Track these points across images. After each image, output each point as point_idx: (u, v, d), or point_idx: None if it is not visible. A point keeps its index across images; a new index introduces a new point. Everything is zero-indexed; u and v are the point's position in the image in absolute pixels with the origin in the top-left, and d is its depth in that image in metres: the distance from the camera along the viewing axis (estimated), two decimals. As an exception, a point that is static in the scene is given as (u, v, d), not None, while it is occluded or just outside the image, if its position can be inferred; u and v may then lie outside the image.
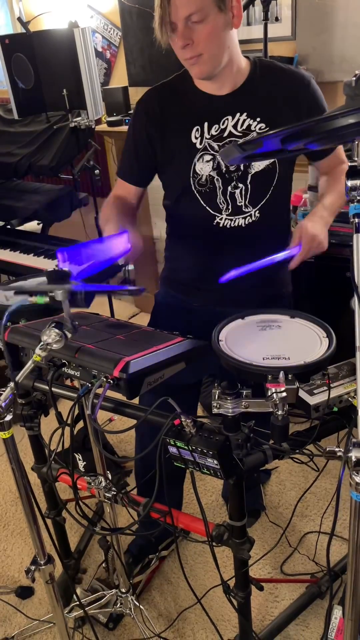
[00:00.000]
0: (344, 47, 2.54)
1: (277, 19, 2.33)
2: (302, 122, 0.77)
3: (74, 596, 1.69)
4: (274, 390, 0.97)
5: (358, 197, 0.82)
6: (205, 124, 1.43)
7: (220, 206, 1.46)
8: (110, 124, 3.22)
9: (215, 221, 1.48)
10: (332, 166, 1.58)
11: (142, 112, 1.50)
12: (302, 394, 1.13)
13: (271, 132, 0.82)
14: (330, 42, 2.58)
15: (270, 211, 1.49)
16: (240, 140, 0.91)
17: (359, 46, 2.51)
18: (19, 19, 2.58)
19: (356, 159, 0.81)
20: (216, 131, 1.43)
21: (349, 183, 0.81)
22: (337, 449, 0.83)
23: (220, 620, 1.73)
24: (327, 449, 0.84)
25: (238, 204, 1.46)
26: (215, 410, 1.04)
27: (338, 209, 1.51)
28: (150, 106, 1.49)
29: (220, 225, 1.48)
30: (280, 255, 1.35)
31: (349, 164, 0.81)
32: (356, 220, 0.84)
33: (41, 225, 2.77)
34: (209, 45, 1.30)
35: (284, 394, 0.97)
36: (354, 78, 0.76)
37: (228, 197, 1.45)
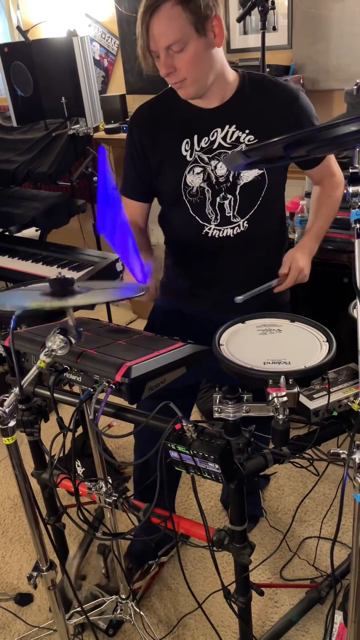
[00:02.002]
0: (340, 56, 2.58)
1: (274, 29, 2.36)
2: (305, 129, 0.78)
3: (74, 602, 1.69)
4: (274, 394, 0.97)
5: (359, 203, 0.84)
6: (195, 137, 1.44)
7: (209, 216, 1.48)
8: (108, 131, 3.24)
9: (204, 231, 1.50)
10: (323, 176, 1.60)
11: (135, 128, 1.52)
12: (302, 398, 1.13)
13: (275, 139, 0.83)
14: (326, 51, 2.61)
15: (259, 221, 1.50)
16: (245, 147, 0.92)
17: (354, 55, 2.54)
18: (18, 28, 2.60)
19: (357, 165, 0.82)
20: (206, 143, 1.44)
21: (350, 189, 0.82)
22: (340, 451, 0.83)
23: (220, 626, 1.73)
24: (331, 451, 0.84)
25: (227, 214, 1.48)
26: (216, 415, 1.05)
27: (325, 231, 1.61)
28: (143, 121, 1.51)
29: (209, 235, 1.50)
30: (274, 282, 1.49)
31: (351, 170, 0.82)
32: (357, 226, 0.85)
33: (39, 232, 2.78)
34: (192, 70, 1.32)
35: (285, 399, 0.97)
36: (355, 87, 0.77)
37: (217, 208, 1.47)
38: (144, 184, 1.56)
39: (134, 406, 1.22)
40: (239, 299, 1.41)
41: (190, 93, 1.39)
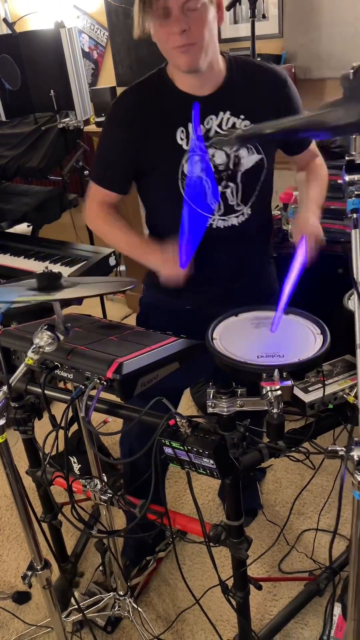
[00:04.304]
0: (331, 44, 2.55)
1: (264, 17, 2.34)
2: (306, 115, 0.76)
3: (72, 600, 1.68)
4: (268, 388, 0.96)
5: (356, 192, 0.82)
6: (190, 125, 1.41)
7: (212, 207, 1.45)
8: (98, 124, 3.21)
9: (208, 222, 1.47)
10: (308, 160, 1.61)
11: (119, 115, 1.46)
12: (297, 391, 1.12)
13: (273, 129, 0.81)
14: (318, 40, 2.58)
15: (259, 207, 1.49)
16: (240, 131, 0.89)
17: (346, 43, 2.52)
18: (5, 20, 2.56)
19: (354, 153, 0.80)
20: (201, 132, 1.41)
21: (347, 178, 0.80)
22: (338, 448, 0.82)
23: (219, 621, 1.72)
24: (329, 449, 0.83)
25: (230, 203, 1.45)
26: (210, 410, 1.04)
27: (322, 202, 1.55)
28: (129, 109, 1.45)
29: (214, 226, 1.47)
30: (298, 269, 1.27)
31: (347, 158, 0.80)
32: (354, 215, 0.83)
33: (31, 227, 2.75)
34: (203, 34, 1.30)
35: (279, 392, 0.96)
36: (352, 71, 0.75)
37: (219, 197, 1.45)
38: (125, 177, 1.51)
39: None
40: None
41: (195, 60, 1.32)
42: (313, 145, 1.61)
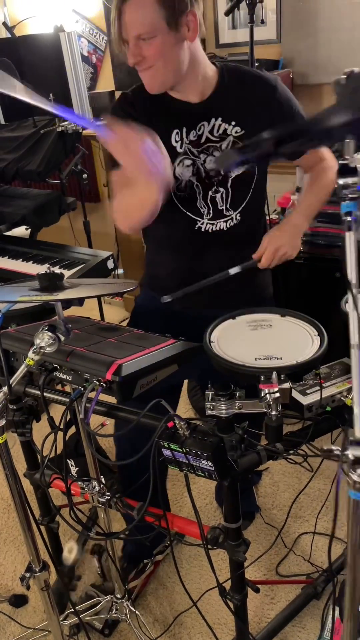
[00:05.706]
0: (329, 50, 2.57)
1: (262, 22, 2.35)
2: (295, 123, 0.77)
3: (69, 603, 1.68)
4: (267, 390, 0.97)
5: (350, 195, 0.83)
6: (184, 129, 1.43)
7: (201, 210, 1.47)
8: (97, 128, 3.21)
9: (197, 226, 1.48)
10: (313, 162, 1.60)
11: (117, 116, 1.45)
12: (295, 394, 1.13)
13: (265, 134, 0.82)
14: (315, 46, 2.60)
15: (250, 213, 1.50)
16: (232, 141, 0.90)
17: (344, 49, 2.54)
18: (4, 24, 2.58)
19: (347, 157, 0.81)
20: (194, 137, 1.44)
21: (340, 181, 0.81)
22: (334, 448, 0.83)
23: (216, 624, 1.72)
24: (324, 448, 0.84)
25: (219, 207, 1.47)
26: (208, 412, 1.04)
27: (317, 210, 1.55)
28: (126, 110, 1.48)
29: (202, 229, 1.49)
30: (234, 269, 1.43)
31: (340, 162, 0.81)
32: (348, 218, 0.84)
33: (29, 230, 2.75)
34: (158, 61, 1.31)
35: (277, 394, 0.96)
36: (344, 76, 0.76)
37: (209, 202, 1.46)
38: None
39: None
40: (165, 298, 1.41)
41: (154, 83, 1.36)
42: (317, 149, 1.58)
